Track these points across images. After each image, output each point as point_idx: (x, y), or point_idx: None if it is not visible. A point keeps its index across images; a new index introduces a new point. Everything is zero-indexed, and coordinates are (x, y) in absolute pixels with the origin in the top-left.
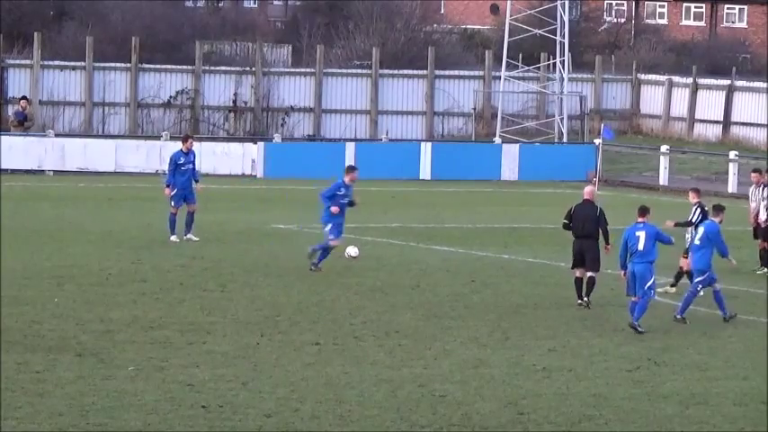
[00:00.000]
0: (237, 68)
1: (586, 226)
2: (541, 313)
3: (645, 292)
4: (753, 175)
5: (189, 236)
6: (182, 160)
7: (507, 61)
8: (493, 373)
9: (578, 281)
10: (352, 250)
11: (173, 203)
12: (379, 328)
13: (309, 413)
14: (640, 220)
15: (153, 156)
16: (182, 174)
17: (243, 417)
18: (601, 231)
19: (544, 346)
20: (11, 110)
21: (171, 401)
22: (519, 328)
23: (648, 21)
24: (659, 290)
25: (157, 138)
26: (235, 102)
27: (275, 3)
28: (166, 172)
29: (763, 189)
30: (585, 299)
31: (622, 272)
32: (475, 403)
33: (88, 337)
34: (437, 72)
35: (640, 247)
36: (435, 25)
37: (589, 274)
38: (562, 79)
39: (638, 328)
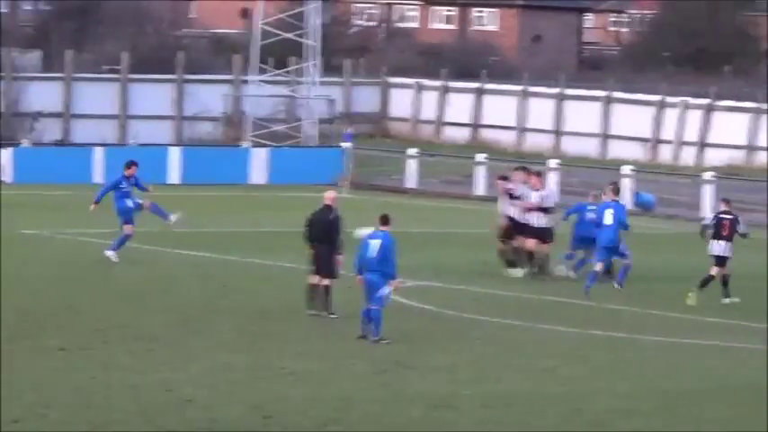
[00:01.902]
0: None
1: (321, 231)
2: (291, 317)
3: (376, 300)
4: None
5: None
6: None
7: (258, 65)
8: (241, 377)
9: (311, 288)
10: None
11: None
12: (128, 332)
13: (57, 419)
14: (381, 228)
15: None
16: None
17: None
18: (334, 238)
19: (292, 349)
20: None
21: None
22: (268, 332)
23: (399, 24)
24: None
25: None
26: None
27: (25, 8)
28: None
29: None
30: (324, 312)
31: (358, 277)
32: (222, 407)
33: None
34: (187, 76)
35: (373, 255)
36: (185, 29)
37: (324, 282)
38: (312, 83)
39: (381, 342)
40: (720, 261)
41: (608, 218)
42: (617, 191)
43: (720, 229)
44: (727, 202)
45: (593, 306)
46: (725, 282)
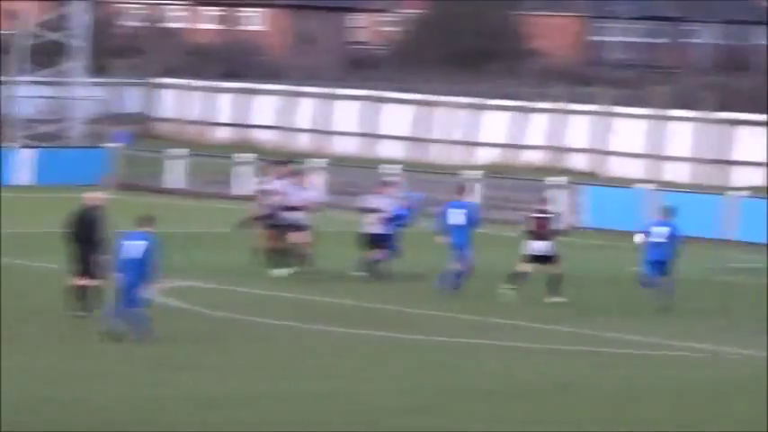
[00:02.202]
0: None
1: (84, 232)
2: (56, 319)
3: (139, 301)
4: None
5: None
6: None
7: (25, 66)
8: (5, 379)
9: (75, 289)
10: None
11: None
12: None
13: None
14: (143, 228)
15: None
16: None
17: None
18: (97, 238)
19: (58, 351)
20: None
21: None
22: (32, 333)
23: (167, 25)
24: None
25: None
26: None
27: None
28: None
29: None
30: (88, 313)
31: (118, 276)
32: None
33: None
34: None
35: (135, 255)
36: None
37: (88, 283)
38: (80, 83)
39: (146, 342)
40: (539, 259)
41: (459, 217)
42: (462, 191)
43: (537, 228)
44: (543, 200)
45: (358, 305)
46: (555, 281)
